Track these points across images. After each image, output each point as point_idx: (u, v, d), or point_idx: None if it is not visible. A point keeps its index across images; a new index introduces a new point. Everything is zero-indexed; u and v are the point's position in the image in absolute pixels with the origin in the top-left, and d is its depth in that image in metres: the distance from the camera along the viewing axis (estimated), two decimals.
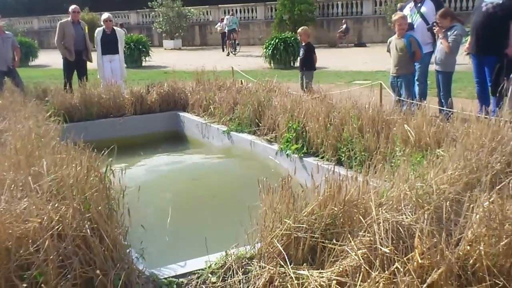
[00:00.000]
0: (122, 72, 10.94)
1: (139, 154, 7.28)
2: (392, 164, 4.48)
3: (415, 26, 7.40)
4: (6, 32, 11.11)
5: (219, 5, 32.84)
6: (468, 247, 2.69)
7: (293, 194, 3.22)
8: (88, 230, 2.98)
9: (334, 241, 2.89)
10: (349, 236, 2.82)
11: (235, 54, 24.69)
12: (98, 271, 2.86)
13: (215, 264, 3.28)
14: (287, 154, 6.05)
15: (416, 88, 7.58)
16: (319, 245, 2.95)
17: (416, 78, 7.49)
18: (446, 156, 3.86)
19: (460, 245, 2.68)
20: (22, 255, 2.80)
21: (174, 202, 5.58)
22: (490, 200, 2.87)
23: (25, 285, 2.70)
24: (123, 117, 8.82)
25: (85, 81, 9.66)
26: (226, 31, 25.76)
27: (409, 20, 7.36)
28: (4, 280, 2.76)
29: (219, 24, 28.01)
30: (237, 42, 25.75)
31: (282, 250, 2.99)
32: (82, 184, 3.25)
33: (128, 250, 3.41)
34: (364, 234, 2.82)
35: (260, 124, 6.97)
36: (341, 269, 2.68)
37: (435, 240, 2.56)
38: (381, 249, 2.62)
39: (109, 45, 10.60)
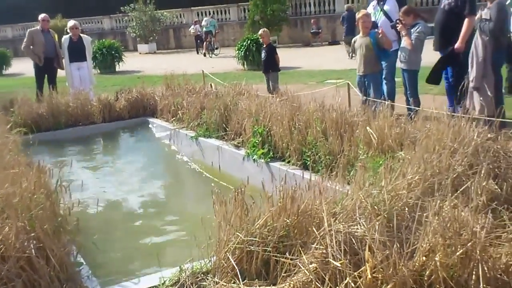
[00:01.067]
0: (91, 79, 10.77)
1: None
2: (357, 168, 4.42)
3: (379, 24, 7.34)
4: None
5: (192, 8, 32.61)
6: (424, 258, 2.61)
7: (245, 206, 3.12)
8: (33, 250, 2.86)
9: (287, 255, 2.80)
10: (300, 249, 2.73)
11: (211, 56, 24.56)
12: None
13: (169, 281, 3.16)
14: (254, 160, 5.95)
15: (384, 87, 7.53)
16: (272, 259, 2.86)
17: (383, 76, 7.44)
18: (406, 160, 3.79)
19: (415, 256, 2.61)
20: None
21: (126, 215, 5.49)
22: (445, 207, 2.81)
23: None
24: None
25: (54, 90, 9.47)
26: (204, 32, 25.62)
27: (372, 19, 7.31)
28: None
29: (192, 26, 27.82)
30: (215, 45, 25.64)
31: (235, 265, 2.89)
32: (28, 202, 3.11)
33: (80, 268, 3.29)
34: (317, 246, 2.73)
35: (227, 129, 6.86)
36: (291, 285, 2.58)
37: (387, 252, 2.48)
38: (332, 263, 2.54)
39: (76, 53, 10.42)
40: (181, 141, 7.75)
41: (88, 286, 3.07)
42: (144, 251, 4.32)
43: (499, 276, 2.52)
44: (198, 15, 32.75)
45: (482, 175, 3.44)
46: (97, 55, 19.63)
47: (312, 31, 27.10)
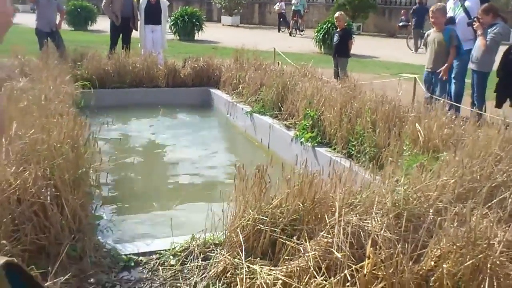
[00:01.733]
0: (163, 43, 10.94)
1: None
2: (399, 163, 4.25)
3: (456, 21, 6.95)
4: None
5: None
6: (432, 263, 2.47)
7: (265, 185, 3.06)
8: (49, 197, 2.94)
9: (294, 239, 2.73)
10: (307, 235, 2.65)
11: (294, 36, 24.38)
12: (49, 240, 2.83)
13: (180, 246, 3.19)
14: (301, 142, 5.86)
15: (452, 87, 7.15)
16: (279, 241, 2.80)
17: (453, 75, 7.06)
18: (445, 161, 3.59)
19: (423, 260, 2.47)
20: None
21: (157, 177, 5.58)
22: (473, 216, 2.63)
23: None
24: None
25: (127, 49, 9.73)
26: (292, 11, 25.38)
27: (451, 14, 6.92)
28: None
29: (278, 4, 27.65)
30: (300, 25, 25.41)
31: (242, 241, 2.85)
32: (52, 150, 3.20)
33: (97, 222, 3.37)
34: (324, 235, 2.64)
35: (282, 109, 6.79)
36: (289, 269, 2.52)
37: (391, 251, 2.36)
38: (335, 254, 2.45)
39: (152, 15, 10.58)
40: (237, 114, 7.77)
41: (99, 239, 3.14)
42: (164, 215, 4.38)
43: None
44: None
45: None
46: (178, 21, 19.98)
47: (400, 24, 26.13)
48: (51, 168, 3.07)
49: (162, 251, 3.17)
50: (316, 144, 5.64)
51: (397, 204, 2.85)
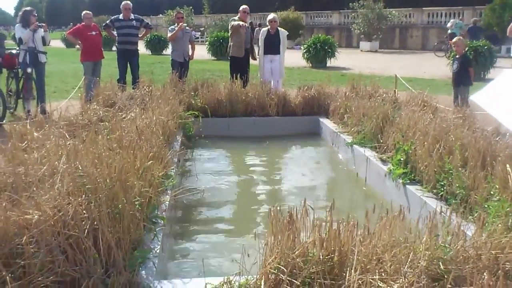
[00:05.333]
0: (281, 72, 11.00)
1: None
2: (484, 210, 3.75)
3: None
4: (186, 27, 11.95)
5: (423, 8, 31.17)
6: None
7: (296, 230, 2.84)
8: (86, 231, 3.03)
9: None
10: None
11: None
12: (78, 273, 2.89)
13: None
14: (393, 178, 5.44)
15: None
16: None
17: None
18: None
19: None
20: (17, 243, 2.95)
21: (226, 209, 5.47)
22: None
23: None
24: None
25: (246, 80, 9.95)
26: (448, 34, 24.13)
27: None
28: (1, 263, 2.93)
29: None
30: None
31: None
32: (97, 184, 3.30)
33: (139, 257, 3.40)
34: None
35: (381, 141, 6.40)
36: None
37: None
38: None
39: (271, 46, 10.74)
40: (340, 145, 7.50)
41: (136, 275, 3.13)
42: (214, 249, 4.30)
43: None
44: (428, 15, 31.27)
45: None
46: (310, 48, 20.11)
47: None
48: (94, 201, 3.16)
49: None
50: (408, 181, 5.19)
51: (436, 263, 2.46)
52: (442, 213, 3.06)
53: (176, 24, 11.03)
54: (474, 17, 24.79)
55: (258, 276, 2.85)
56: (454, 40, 8.98)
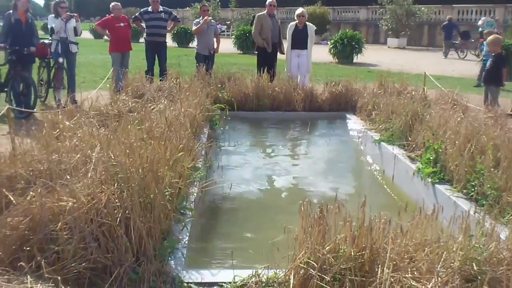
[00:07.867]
0: (308, 67, 10.95)
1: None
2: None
3: None
4: (211, 21, 11.97)
5: (453, 5, 30.68)
6: None
7: (326, 226, 2.84)
8: (118, 220, 3.07)
9: None
10: None
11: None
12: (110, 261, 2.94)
13: (241, 281, 3.09)
14: (421, 177, 5.39)
15: None
16: None
17: None
18: None
19: None
20: (52, 229, 3.01)
21: (254, 203, 5.45)
22: None
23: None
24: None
25: (273, 74, 9.94)
26: (479, 32, 23.69)
27: None
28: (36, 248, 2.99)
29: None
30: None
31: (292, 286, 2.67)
32: (129, 174, 3.34)
33: (169, 247, 3.43)
34: None
35: (409, 139, 6.34)
36: None
37: None
38: None
39: (299, 40, 10.69)
40: (367, 142, 7.44)
41: (165, 264, 3.17)
42: (243, 243, 4.31)
43: None
44: (458, 13, 30.79)
45: None
46: (337, 44, 19.99)
47: None
48: (127, 190, 3.21)
49: (223, 283, 3.11)
50: (436, 181, 5.14)
51: (469, 265, 2.44)
52: (476, 213, 3.02)
53: (201, 17, 11.06)
54: (483, 16, 24.56)
55: (287, 270, 2.86)
56: (489, 38, 8.79)
